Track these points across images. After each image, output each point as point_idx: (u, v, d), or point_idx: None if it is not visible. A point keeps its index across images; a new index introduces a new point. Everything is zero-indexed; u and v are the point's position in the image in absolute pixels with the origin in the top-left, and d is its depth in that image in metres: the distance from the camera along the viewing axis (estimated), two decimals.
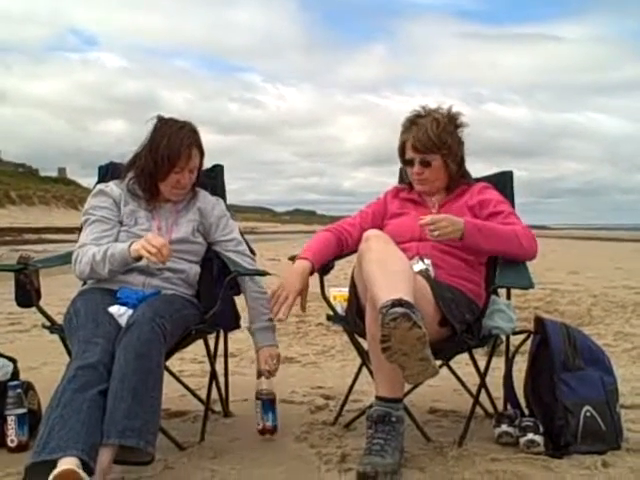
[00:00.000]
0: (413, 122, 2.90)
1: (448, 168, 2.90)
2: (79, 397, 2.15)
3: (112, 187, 2.88)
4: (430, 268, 2.72)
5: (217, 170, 3.25)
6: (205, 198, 2.98)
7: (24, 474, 2.06)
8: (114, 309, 2.49)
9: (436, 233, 2.61)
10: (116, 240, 2.75)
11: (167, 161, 2.74)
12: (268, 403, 2.81)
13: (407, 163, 2.94)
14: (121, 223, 2.82)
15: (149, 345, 2.32)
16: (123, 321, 2.44)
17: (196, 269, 2.87)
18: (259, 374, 2.80)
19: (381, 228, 2.94)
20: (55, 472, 1.96)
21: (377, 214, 3.03)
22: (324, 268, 2.86)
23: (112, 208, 2.83)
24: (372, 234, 2.59)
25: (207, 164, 3.17)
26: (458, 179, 2.96)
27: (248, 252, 2.99)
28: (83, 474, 1.98)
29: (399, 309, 2.19)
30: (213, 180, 3.19)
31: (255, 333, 2.84)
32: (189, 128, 2.80)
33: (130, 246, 2.59)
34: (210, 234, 2.94)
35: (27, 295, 2.74)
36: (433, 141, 2.84)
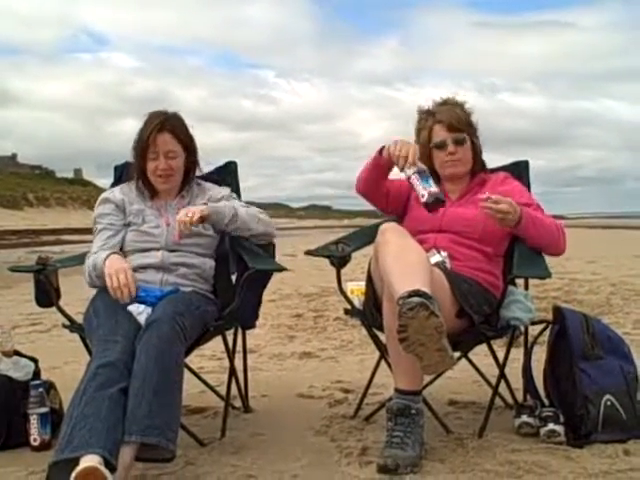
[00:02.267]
0: (436, 108, 2.92)
1: (475, 149, 2.92)
2: (100, 395, 2.17)
3: (115, 192, 2.91)
4: (446, 260, 2.72)
5: (231, 167, 3.23)
6: (212, 189, 2.96)
7: (47, 472, 2.08)
8: (133, 307, 2.51)
9: (500, 216, 2.58)
10: (124, 242, 2.79)
11: (138, 150, 2.78)
12: (424, 173, 2.56)
13: (438, 147, 2.88)
14: (129, 224, 2.83)
15: (169, 343, 2.33)
16: (142, 319, 2.46)
17: (210, 263, 2.85)
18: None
19: (405, 205, 2.98)
20: (78, 469, 1.98)
21: (404, 188, 2.94)
22: (341, 261, 2.84)
23: (115, 213, 2.85)
24: (388, 227, 2.58)
25: (221, 161, 3.17)
26: (481, 164, 2.97)
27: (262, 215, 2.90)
28: (105, 471, 2.00)
29: (416, 299, 2.20)
30: (226, 177, 3.18)
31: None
32: (164, 117, 2.78)
33: (105, 260, 2.62)
34: None
35: (47, 295, 2.77)
36: (462, 120, 2.89)
